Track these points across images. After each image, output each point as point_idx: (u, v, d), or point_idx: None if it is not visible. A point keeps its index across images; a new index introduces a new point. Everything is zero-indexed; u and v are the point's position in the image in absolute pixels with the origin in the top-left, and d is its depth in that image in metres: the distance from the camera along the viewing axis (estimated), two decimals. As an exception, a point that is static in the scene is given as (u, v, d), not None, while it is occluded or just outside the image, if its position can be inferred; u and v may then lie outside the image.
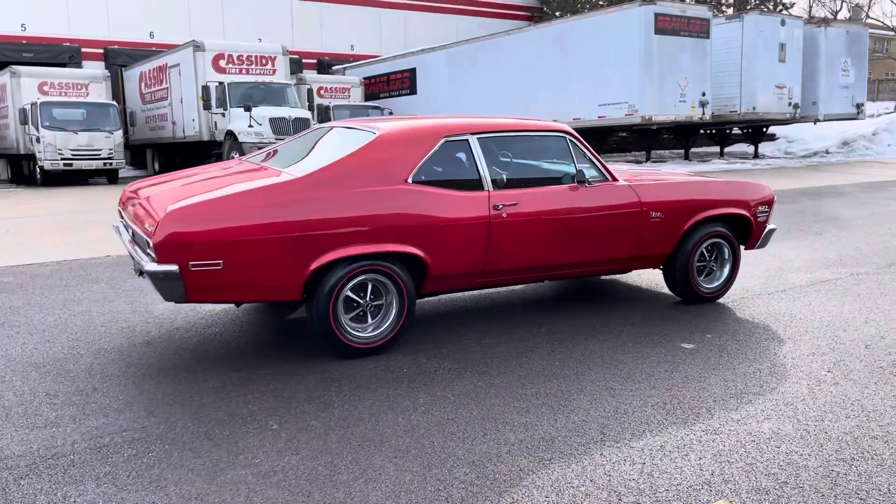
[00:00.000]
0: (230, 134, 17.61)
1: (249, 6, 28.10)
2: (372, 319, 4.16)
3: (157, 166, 22.57)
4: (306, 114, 18.20)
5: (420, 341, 4.47)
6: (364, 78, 27.02)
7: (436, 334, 4.63)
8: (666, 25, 17.78)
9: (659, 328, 4.73)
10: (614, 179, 4.87)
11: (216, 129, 18.49)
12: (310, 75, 24.21)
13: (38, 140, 18.11)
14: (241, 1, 28.02)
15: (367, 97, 26.58)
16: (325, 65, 29.59)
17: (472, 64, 22.62)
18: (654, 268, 5.30)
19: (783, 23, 21.23)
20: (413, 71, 25.17)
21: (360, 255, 3.96)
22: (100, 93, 20.23)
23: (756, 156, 24.76)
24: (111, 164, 18.75)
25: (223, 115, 18.11)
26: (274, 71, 19.84)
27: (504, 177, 4.47)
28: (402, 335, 4.25)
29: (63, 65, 23.76)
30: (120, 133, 19.01)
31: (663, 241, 5.02)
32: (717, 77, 20.19)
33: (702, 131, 24.96)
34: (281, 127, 17.40)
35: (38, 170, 18.57)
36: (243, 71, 19.34)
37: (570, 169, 4.73)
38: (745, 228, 5.43)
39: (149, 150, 23.31)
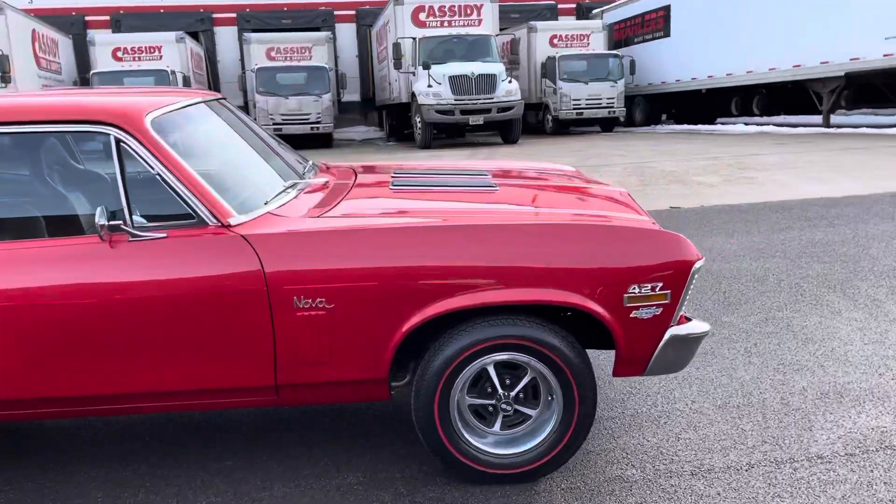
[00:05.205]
0: (415, 96, 16.19)
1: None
2: None
3: (387, 127, 22.19)
4: (496, 69, 15.97)
5: None
6: (617, 22, 23.58)
7: None
8: None
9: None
10: (224, 224, 2.26)
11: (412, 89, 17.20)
12: (542, 23, 21.54)
13: (254, 105, 18.60)
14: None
15: (620, 43, 23.16)
16: (584, 9, 26.55)
17: (732, -7, 18.06)
18: (353, 402, 2.56)
19: None
20: (667, 8, 21.08)
21: None
22: (321, 56, 20.17)
23: None
24: (318, 128, 18.44)
25: (413, 74, 16.74)
26: (479, 21, 17.79)
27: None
28: None
29: (317, 28, 24.45)
30: (329, 96, 18.60)
31: (347, 353, 2.27)
32: None
33: None
34: (462, 86, 15.47)
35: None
36: (445, 24, 17.62)
37: (101, 204, 2.26)
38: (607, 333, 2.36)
39: (384, 112, 22.99)
